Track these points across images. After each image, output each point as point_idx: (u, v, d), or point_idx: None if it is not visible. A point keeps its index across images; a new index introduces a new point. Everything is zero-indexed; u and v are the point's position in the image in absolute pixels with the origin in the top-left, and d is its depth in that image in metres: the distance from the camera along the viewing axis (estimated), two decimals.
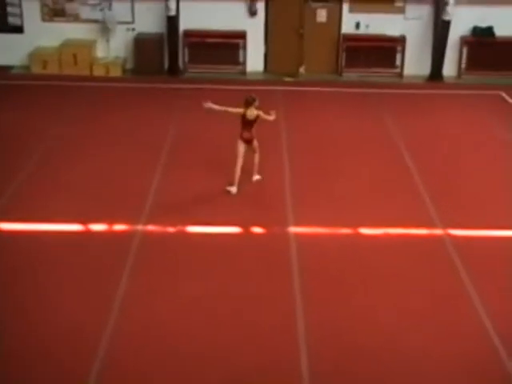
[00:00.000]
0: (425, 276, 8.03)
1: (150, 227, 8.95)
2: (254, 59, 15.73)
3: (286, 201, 9.73)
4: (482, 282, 7.87)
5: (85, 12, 15.45)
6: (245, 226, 9.03)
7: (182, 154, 11.22)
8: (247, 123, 9.83)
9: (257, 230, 9.01)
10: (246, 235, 8.90)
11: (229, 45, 15.56)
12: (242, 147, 9.86)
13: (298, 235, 8.84)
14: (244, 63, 15.76)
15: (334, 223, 9.14)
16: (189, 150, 11.39)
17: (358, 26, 15.71)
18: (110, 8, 15.38)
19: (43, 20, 15.48)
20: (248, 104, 9.76)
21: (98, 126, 12.27)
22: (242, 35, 15.57)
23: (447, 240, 8.80)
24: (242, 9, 15.49)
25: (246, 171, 10.57)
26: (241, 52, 15.73)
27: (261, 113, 9.77)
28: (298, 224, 9.08)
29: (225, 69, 15.67)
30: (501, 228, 9.13)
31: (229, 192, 9.80)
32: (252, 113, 9.74)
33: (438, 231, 9.03)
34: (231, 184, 9.85)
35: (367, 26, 15.68)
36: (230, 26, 15.43)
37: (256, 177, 10.21)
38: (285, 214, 9.34)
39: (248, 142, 9.90)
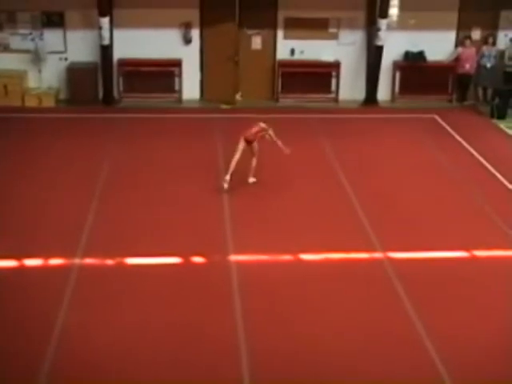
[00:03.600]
0: (366, 299, 8.14)
1: (88, 260, 8.82)
2: (190, 87, 15.81)
3: (226, 228, 9.74)
4: (421, 304, 8.02)
5: (15, 42, 15.25)
6: (184, 255, 8.99)
7: (118, 184, 11.13)
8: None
9: (197, 259, 8.98)
10: (186, 265, 8.85)
11: (164, 73, 15.61)
12: (241, 144, 10.74)
13: (238, 263, 8.85)
14: (180, 91, 15.81)
15: (275, 250, 9.19)
16: (125, 179, 11.31)
17: (292, 52, 15.99)
18: (41, 38, 15.23)
19: None
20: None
21: (30, 158, 12.06)
22: (177, 63, 15.64)
23: (386, 263, 8.96)
24: (176, 37, 15.58)
25: (190, 197, 10.57)
26: (176, 80, 15.79)
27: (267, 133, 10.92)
28: (238, 252, 9.10)
29: (161, 97, 15.69)
30: (437, 249, 9.34)
31: (224, 181, 10.68)
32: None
33: (377, 255, 9.18)
34: (226, 173, 10.73)
35: (302, 52, 15.97)
36: (164, 54, 15.48)
37: (251, 179, 11.05)
38: (225, 242, 9.34)
39: (248, 142, 10.76)
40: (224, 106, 15.56)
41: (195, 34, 15.64)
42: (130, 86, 15.63)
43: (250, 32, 15.86)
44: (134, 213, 10.14)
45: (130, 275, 8.55)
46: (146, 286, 8.27)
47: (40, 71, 15.43)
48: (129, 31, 15.24)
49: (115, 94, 15.59)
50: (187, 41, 15.66)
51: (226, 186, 10.67)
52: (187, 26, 15.52)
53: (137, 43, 15.32)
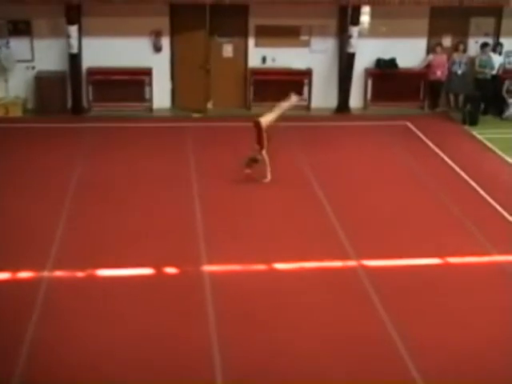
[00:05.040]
0: (340, 308, 8.20)
1: (58, 273, 8.76)
2: (161, 96, 15.80)
3: (199, 238, 9.75)
4: (395, 311, 8.10)
5: None
6: (157, 266, 8.98)
7: (88, 194, 11.07)
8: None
9: (169, 269, 8.98)
10: (159, 276, 8.84)
11: (134, 82, 15.59)
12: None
13: (211, 273, 8.86)
14: (150, 100, 15.80)
15: (248, 259, 9.22)
16: (95, 190, 11.24)
17: (264, 60, 16.08)
18: (7, 46, 15.12)
19: None
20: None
21: None
22: (147, 72, 15.63)
23: (361, 271, 9.04)
24: (146, 45, 15.57)
25: (162, 207, 10.56)
26: (147, 89, 15.78)
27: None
28: (211, 262, 9.11)
29: (131, 106, 15.66)
30: (411, 257, 9.44)
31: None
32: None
33: (351, 263, 9.25)
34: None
35: (273, 60, 16.06)
36: (134, 62, 15.46)
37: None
38: (197, 252, 9.35)
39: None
40: (195, 115, 15.58)
41: (165, 42, 15.66)
42: (99, 95, 15.58)
43: (221, 40, 15.92)
44: (105, 224, 10.10)
45: (102, 287, 8.52)
46: (118, 298, 8.25)
47: (6, 80, 15.32)
48: (98, 39, 15.20)
49: (84, 103, 15.52)
50: (157, 49, 15.66)
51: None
52: (157, 34, 15.52)
53: (106, 52, 15.28)
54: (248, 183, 11.69)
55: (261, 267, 9.11)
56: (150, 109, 15.79)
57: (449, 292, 8.61)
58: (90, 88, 15.57)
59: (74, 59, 15.03)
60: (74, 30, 14.72)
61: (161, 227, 10.08)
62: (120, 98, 15.47)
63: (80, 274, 8.76)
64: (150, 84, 15.71)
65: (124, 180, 11.69)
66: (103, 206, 10.65)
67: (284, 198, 11.21)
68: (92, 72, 15.45)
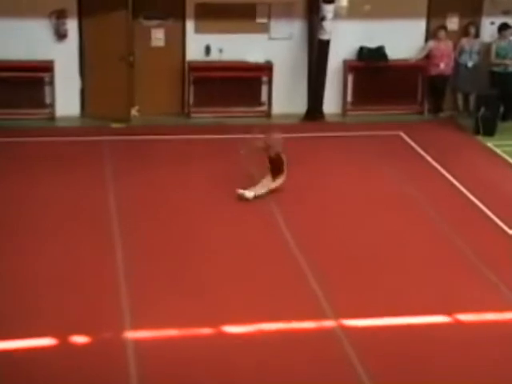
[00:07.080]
0: (313, 379, 8.25)
1: None
2: (67, 99, 15.79)
3: (120, 294, 9.72)
4: (381, 379, 8.20)
5: None
6: (60, 334, 8.90)
7: None
8: None
9: (78, 339, 8.91)
10: (63, 348, 8.76)
11: (28, 80, 15.59)
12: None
13: (137, 341, 8.83)
14: (52, 105, 15.79)
15: (188, 321, 9.20)
16: None
17: (208, 50, 16.21)
18: None
19: None
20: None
21: None
22: (47, 66, 15.66)
23: (341, 334, 9.09)
24: (45, 30, 15.60)
25: (68, 255, 10.51)
26: (47, 90, 15.80)
27: None
28: (137, 326, 9.08)
29: (24, 114, 15.64)
30: (408, 314, 9.52)
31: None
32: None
33: (328, 323, 9.31)
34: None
35: (221, 51, 16.21)
36: (29, 54, 15.46)
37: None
38: (118, 313, 9.32)
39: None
40: (115, 125, 15.57)
41: (72, 26, 15.71)
42: None
43: (148, 23, 16.03)
44: None
45: None
46: (8, 380, 8.15)
47: None
48: None
49: None
50: (61, 36, 15.69)
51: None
52: (60, 16, 15.56)
53: None
54: (185, 218, 11.70)
55: (205, 331, 9.10)
56: (52, 117, 15.78)
57: (459, 361, 8.69)
58: None
59: None
60: None
61: (67, 280, 10.01)
62: (8, 102, 15.42)
63: None
64: (52, 83, 15.72)
65: (15, 218, 11.61)
66: None
67: (237, 238, 11.25)
68: None
